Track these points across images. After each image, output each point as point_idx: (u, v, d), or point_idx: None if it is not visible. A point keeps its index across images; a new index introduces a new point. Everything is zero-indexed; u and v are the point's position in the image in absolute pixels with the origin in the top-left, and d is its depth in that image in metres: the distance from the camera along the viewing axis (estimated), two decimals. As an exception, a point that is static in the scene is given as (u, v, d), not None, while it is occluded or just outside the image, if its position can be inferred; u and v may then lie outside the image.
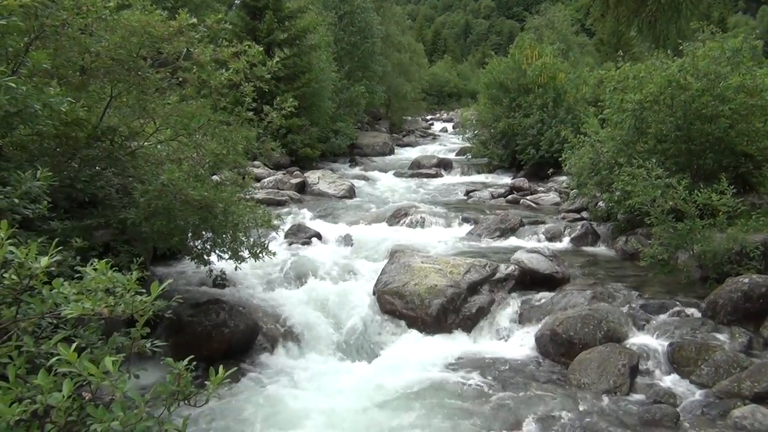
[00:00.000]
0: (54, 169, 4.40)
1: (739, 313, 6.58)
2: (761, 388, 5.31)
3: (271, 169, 17.60)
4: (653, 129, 9.52)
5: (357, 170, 21.41)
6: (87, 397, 2.18)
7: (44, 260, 2.36)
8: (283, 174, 17.04)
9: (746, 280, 6.73)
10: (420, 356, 6.63)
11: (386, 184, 18.34)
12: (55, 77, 5.10)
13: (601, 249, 10.21)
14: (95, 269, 2.43)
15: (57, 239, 2.70)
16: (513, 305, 7.55)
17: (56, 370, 2.11)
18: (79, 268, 2.53)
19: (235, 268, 6.96)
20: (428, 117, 52.48)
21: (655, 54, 10.34)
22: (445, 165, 21.23)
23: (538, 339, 6.72)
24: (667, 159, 9.53)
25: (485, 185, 17.32)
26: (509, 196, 15.24)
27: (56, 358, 2.12)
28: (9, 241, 2.35)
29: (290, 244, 9.96)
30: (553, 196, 14.67)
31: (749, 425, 4.90)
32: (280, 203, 13.73)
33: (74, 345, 2.16)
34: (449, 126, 43.05)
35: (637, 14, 10.65)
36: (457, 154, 24.85)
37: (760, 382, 5.34)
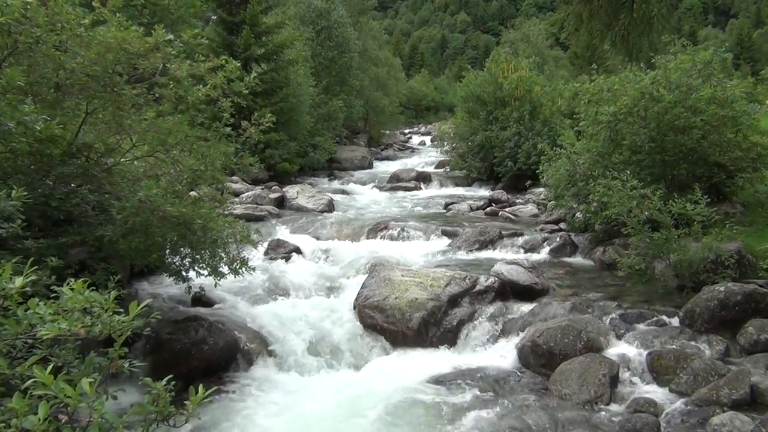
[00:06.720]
0: (28, 186, 4.34)
1: (716, 321, 6.66)
2: (739, 395, 5.37)
3: (250, 184, 17.52)
4: (628, 140, 9.66)
5: (336, 184, 21.42)
6: (63, 420, 2.13)
7: (19, 280, 2.32)
8: (262, 189, 16.97)
9: (722, 289, 6.83)
10: (401, 370, 6.61)
11: (365, 198, 18.34)
12: (30, 94, 5.04)
13: (579, 259, 10.29)
14: (72, 289, 2.38)
15: (32, 258, 2.65)
16: (493, 317, 7.56)
17: (32, 392, 2.06)
18: (55, 288, 2.49)
19: (215, 285, 6.89)
20: (406, 130, 52.66)
21: (629, 67, 10.51)
22: (423, 178, 21.32)
23: (519, 350, 6.74)
24: (642, 170, 9.67)
25: (464, 198, 17.41)
26: (488, 209, 15.31)
27: (32, 380, 2.07)
28: (-18, 261, 2.30)
29: (270, 259, 9.90)
30: (531, 208, 14.76)
31: (728, 432, 4.95)
32: (259, 218, 13.62)
33: (50, 366, 2.11)
34: (427, 139, 43.21)
35: (610, 28, 10.81)
36: (435, 167, 24.97)
37: (738, 389, 5.40)
